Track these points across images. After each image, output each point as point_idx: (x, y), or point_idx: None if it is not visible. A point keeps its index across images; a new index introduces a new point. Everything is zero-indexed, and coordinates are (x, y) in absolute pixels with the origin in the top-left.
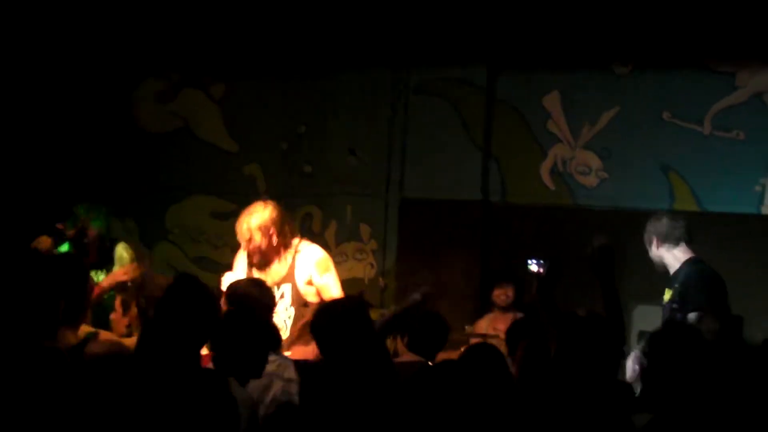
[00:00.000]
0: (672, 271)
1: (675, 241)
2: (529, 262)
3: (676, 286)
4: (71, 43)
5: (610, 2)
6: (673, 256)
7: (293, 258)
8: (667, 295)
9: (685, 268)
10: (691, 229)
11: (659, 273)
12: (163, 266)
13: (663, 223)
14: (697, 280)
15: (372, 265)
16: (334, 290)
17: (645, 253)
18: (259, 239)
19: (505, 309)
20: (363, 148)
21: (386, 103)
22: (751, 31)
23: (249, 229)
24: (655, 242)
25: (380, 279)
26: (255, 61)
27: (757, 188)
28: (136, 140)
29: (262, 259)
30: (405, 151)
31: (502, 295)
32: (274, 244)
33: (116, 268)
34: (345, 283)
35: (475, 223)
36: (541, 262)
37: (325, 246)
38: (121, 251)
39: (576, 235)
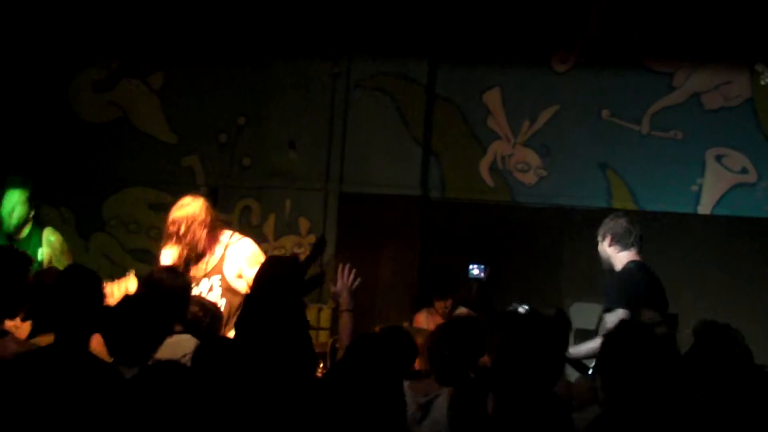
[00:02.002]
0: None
1: (624, 246)
2: (471, 267)
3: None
4: (8, 31)
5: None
6: (618, 259)
7: (224, 250)
8: None
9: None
10: (643, 236)
11: (600, 269)
12: (100, 257)
13: (619, 224)
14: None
15: None
16: None
17: (582, 250)
18: (189, 231)
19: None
20: (302, 142)
21: (326, 97)
22: (688, 32)
23: (178, 222)
24: (607, 240)
25: None
26: (195, 52)
27: (694, 188)
28: (74, 129)
29: (191, 251)
30: (344, 145)
31: (441, 307)
32: (204, 237)
33: (45, 252)
34: None
35: (414, 218)
36: (483, 267)
37: (263, 239)
38: (48, 235)
39: (514, 232)
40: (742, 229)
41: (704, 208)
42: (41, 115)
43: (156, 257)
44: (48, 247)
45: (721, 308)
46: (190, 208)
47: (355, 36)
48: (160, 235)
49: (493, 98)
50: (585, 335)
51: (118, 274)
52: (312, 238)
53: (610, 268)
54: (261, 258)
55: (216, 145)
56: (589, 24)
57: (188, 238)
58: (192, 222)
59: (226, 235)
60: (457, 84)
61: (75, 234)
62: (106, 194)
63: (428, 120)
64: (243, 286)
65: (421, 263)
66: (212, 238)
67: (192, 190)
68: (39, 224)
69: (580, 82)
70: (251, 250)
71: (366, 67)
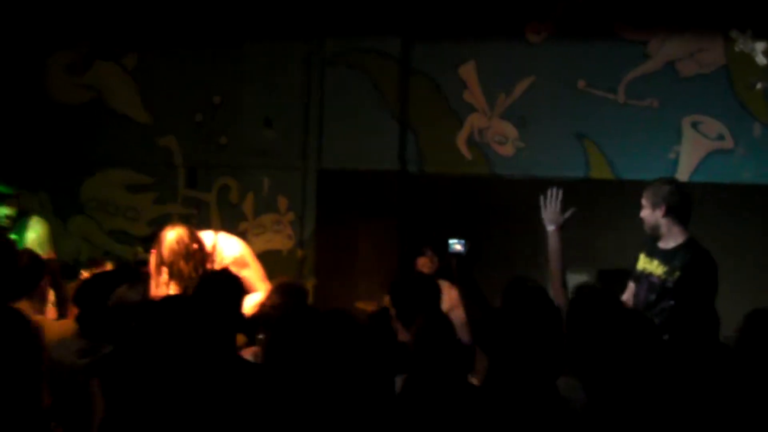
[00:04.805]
0: (667, 245)
1: (681, 219)
2: (451, 242)
3: (677, 264)
4: None
5: None
6: (671, 231)
7: (212, 255)
8: (654, 266)
9: (689, 252)
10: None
11: (575, 239)
12: (79, 240)
13: (677, 195)
14: (704, 273)
15: (290, 236)
16: (255, 284)
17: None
18: (182, 265)
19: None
20: (279, 120)
21: (301, 74)
22: (661, 0)
23: (167, 258)
24: (661, 208)
25: (299, 251)
26: (168, 32)
27: (671, 155)
28: (49, 113)
29: (183, 282)
30: (322, 122)
31: (426, 262)
32: (192, 267)
33: (30, 238)
34: (263, 255)
35: (393, 193)
36: (463, 241)
37: (242, 218)
38: (34, 223)
39: (493, 204)
40: (720, 195)
41: (682, 175)
42: (15, 99)
43: (143, 238)
44: (34, 233)
45: None
46: (172, 241)
47: (329, 13)
48: (137, 216)
49: (468, 71)
50: None
51: (98, 255)
52: (291, 216)
53: (653, 233)
54: (247, 258)
55: (192, 124)
56: None
57: (178, 275)
58: (178, 257)
59: (213, 238)
60: (433, 58)
61: (53, 217)
62: (84, 177)
63: (404, 95)
64: None
65: (400, 238)
66: (201, 258)
67: (169, 169)
68: (24, 211)
69: (555, 52)
70: (235, 252)
71: (340, 43)
